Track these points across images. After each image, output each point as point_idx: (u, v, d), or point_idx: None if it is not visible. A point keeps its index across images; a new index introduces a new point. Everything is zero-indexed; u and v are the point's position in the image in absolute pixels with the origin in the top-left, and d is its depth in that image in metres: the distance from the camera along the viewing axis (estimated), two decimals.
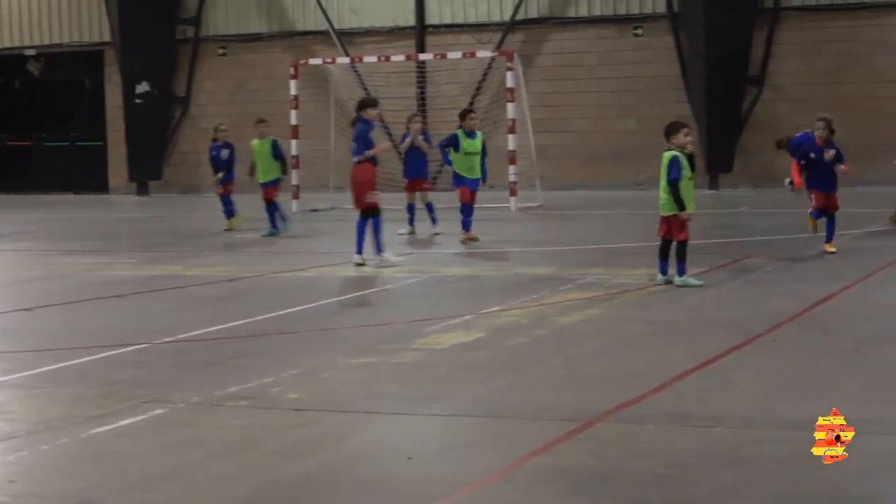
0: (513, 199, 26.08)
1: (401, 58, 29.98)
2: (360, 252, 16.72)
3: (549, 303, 13.26)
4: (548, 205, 26.52)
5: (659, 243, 14.39)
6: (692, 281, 14.02)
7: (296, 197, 27.42)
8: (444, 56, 29.43)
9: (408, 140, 21.50)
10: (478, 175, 20.02)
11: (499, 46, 30.94)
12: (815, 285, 13.94)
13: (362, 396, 9.04)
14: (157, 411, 8.67)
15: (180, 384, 9.56)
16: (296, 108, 28.07)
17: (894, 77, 28.69)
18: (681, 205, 14.04)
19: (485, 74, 32.04)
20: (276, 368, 10.01)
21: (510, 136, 26.38)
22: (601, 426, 7.97)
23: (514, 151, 26.31)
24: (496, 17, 32.30)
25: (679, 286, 13.95)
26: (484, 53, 29.59)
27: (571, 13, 31.87)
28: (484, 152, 20.16)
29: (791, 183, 17.37)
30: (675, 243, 14.16)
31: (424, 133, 22.10)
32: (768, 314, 12.03)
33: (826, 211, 16.75)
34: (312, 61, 29.81)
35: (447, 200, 22.83)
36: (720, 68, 29.62)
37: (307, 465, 7.28)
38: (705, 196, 26.30)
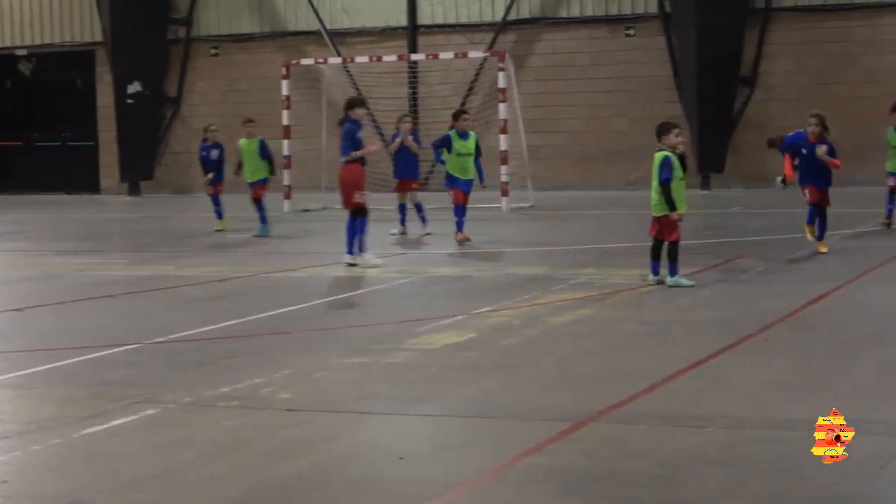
0: (504, 199, 26.08)
1: (393, 58, 29.99)
2: (350, 252, 16.71)
3: (541, 303, 13.26)
4: (540, 205, 26.52)
5: (651, 243, 14.40)
6: (683, 281, 14.02)
7: (287, 197, 27.42)
8: (435, 56, 29.45)
9: (397, 140, 21.49)
10: (471, 176, 20.00)
11: (491, 47, 30.95)
12: (806, 285, 13.96)
13: (354, 397, 9.03)
14: (149, 411, 8.66)
15: (172, 384, 9.55)
16: (287, 108, 28.08)
17: (885, 77, 28.73)
18: (671, 205, 14.05)
19: (477, 75, 32.04)
20: (267, 369, 10.00)
21: (502, 137, 26.39)
22: (593, 426, 7.97)
23: (505, 152, 26.32)
24: (488, 18, 32.31)
25: (671, 286, 13.96)
26: (476, 54, 29.59)
27: (563, 13, 31.88)
28: (478, 152, 20.13)
29: (782, 180, 17.37)
30: (666, 243, 14.17)
31: (414, 133, 22.10)
32: (760, 314, 12.04)
33: (819, 207, 16.75)
34: (304, 61, 29.81)
35: (440, 200, 22.83)
36: (712, 68, 29.66)
37: (299, 466, 7.27)
38: (697, 196, 26.31)
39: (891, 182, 19.79)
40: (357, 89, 31.28)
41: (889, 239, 18.61)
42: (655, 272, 14.26)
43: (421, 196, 21.66)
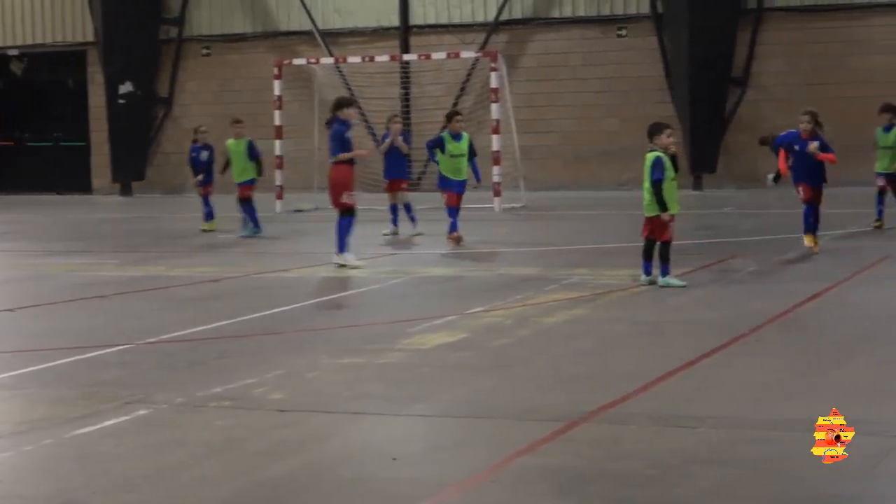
0: (497, 199, 26.08)
1: (385, 58, 29.98)
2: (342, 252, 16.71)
3: (534, 303, 13.26)
4: (532, 205, 26.53)
5: (643, 244, 14.40)
6: (675, 281, 14.03)
7: (279, 197, 27.40)
8: (428, 56, 29.45)
9: (388, 141, 21.52)
10: (464, 177, 19.98)
11: (483, 47, 30.93)
12: (798, 285, 13.98)
13: (346, 397, 9.03)
14: (141, 412, 8.65)
15: (164, 385, 9.54)
16: (279, 108, 28.08)
17: (877, 78, 28.75)
18: (663, 206, 14.06)
19: (469, 75, 32.03)
20: (259, 369, 10.00)
21: (494, 137, 26.38)
22: (585, 427, 7.97)
23: (498, 152, 26.31)
24: (480, 18, 32.30)
25: (662, 286, 13.97)
26: (468, 54, 29.58)
27: (555, 14, 31.88)
28: (473, 153, 20.11)
29: (774, 179, 17.37)
30: (658, 244, 14.18)
31: (404, 134, 22.10)
32: (752, 314, 12.05)
33: (812, 205, 16.74)
34: (296, 61, 29.77)
35: (432, 200, 22.84)
36: (704, 69, 29.67)
37: (291, 466, 7.27)
38: (689, 196, 26.32)
39: (880, 183, 19.83)
40: (349, 89, 31.28)
41: (880, 239, 18.63)
42: (647, 272, 14.27)
43: (412, 196, 21.64)
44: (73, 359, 10.69)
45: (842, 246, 17.68)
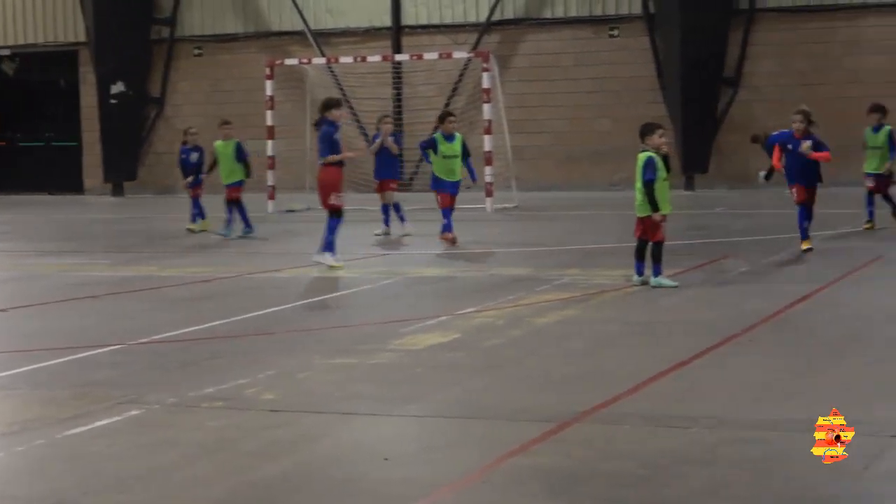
0: (489, 199, 26.08)
1: (377, 58, 29.97)
2: (333, 253, 16.69)
3: (526, 304, 13.27)
4: (524, 205, 26.53)
5: (635, 244, 14.41)
6: (667, 282, 14.04)
7: (271, 198, 27.39)
8: (420, 57, 29.44)
9: (378, 141, 21.52)
10: (457, 178, 19.94)
11: (475, 47, 30.94)
12: (790, 286, 14.00)
13: (338, 397, 9.03)
14: (133, 412, 8.65)
15: (156, 385, 9.53)
16: (271, 108, 28.04)
17: (868, 78, 28.81)
18: (654, 206, 14.07)
19: (461, 75, 32.03)
20: (252, 369, 9.99)
21: (486, 137, 26.37)
22: (577, 427, 7.97)
23: (490, 152, 26.31)
24: (472, 18, 32.30)
25: (654, 287, 13.97)
26: (460, 54, 29.58)
27: (547, 14, 31.89)
28: (467, 153, 20.09)
29: (766, 176, 17.36)
30: (651, 244, 14.19)
31: (395, 134, 22.10)
32: (744, 315, 12.07)
33: (806, 206, 16.74)
34: (288, 62, 29.76)
35: (424, 201, 22.83)
36: (696, 69, 29.69)
37: (283, 466, 7.27)
38: (681, 197, 26.35)
39: (869, 183, 19.85)
40: (341, 90, 31.28)
41: (871, 240, 18.65)
42: (640, 273, 14.28)
43: (401, 197, 21.64)
44: (64, 359, 10.68)
45: (833, 247, 17.70)
